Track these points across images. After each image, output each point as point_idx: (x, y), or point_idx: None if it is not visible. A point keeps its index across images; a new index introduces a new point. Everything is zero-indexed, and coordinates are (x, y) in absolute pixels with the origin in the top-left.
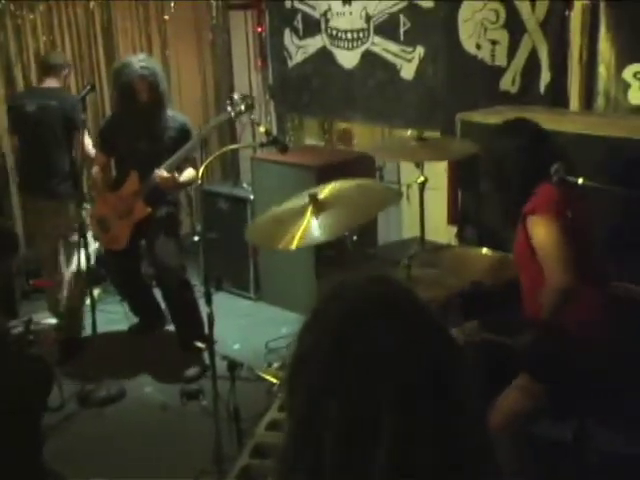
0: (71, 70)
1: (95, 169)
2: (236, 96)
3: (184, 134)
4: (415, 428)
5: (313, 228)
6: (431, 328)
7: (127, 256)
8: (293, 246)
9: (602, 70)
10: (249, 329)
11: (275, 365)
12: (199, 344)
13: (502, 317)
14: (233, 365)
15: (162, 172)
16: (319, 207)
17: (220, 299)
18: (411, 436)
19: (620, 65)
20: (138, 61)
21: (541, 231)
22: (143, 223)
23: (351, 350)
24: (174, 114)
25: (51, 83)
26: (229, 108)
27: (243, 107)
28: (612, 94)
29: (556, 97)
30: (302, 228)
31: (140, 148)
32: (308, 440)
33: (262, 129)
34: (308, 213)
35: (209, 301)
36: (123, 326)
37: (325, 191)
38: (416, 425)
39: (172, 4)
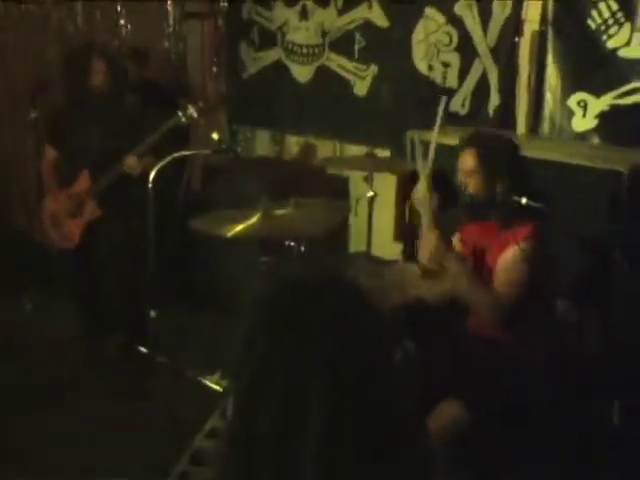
0: None
1: (45, 163)
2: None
3: (138, 123)
4: (343, 416)
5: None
6: (368, 321)
7: (79, 256)
8: (230, 233)
9: (549, 97)
10: (193, 333)
11: (217, 372)
12: (142, 349)
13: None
14: (176, 371)
15: (133, 159)
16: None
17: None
18: (339, 424)
19: (566, 93)
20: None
21: (525, 260)
22: (97, 223)
23: (286, 333)
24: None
25: None
26: (179, 112)
27: (194, 111)
28: (557, 120)
29: (504, 120)
30: (247, 224)
31: (93, 143)
32: (247, 422)
33: (215, 136)
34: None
35: (153, 305)
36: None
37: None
38: (344, 413)
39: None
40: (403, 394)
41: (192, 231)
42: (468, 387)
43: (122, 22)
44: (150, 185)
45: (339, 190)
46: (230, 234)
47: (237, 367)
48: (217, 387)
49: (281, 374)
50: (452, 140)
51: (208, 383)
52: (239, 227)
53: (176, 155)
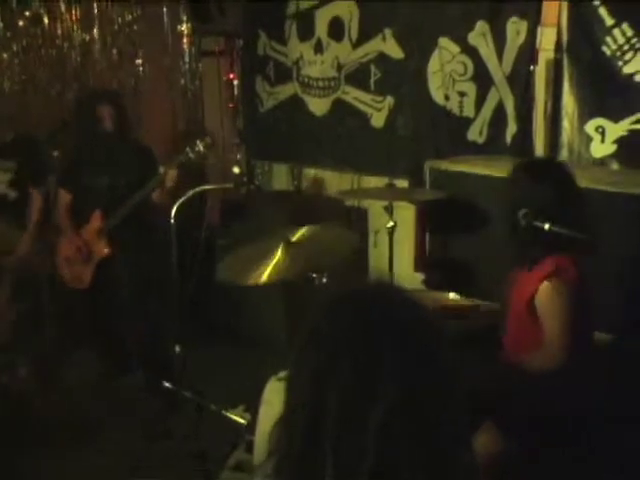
0: None
1: (60, 207)
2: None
3: (148, 162)
4: (400, 423)
5: (282, 266)
6: (429, 336)
7: (92, 295)
8: (262, 280)
9: (566, 123)
10: (217, 368)
11: (241, 406)
12: (166, 384)
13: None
14: (200, 405)
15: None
16: (290, 247)
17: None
18: (395, 429)
19: (583, 119)
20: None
21: (555, 300)
22: (107, 261)
23: (355, 340)
24: (137, 144)
25: None
26: (187, 149)
27: (202, 147)
28: (575, 147)
29: (522, 148)
30: (272, 265)
31: (103, 183)
32: (304, 424)
33: (236, 170)
34: (279, 252)
35: (179, 341)
36: None
37: (297, 234)
38: (400, 420)
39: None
40: (460, 407)
41: (218, 279)
42: (505, 413)
43: (139, 61)
44: (172, 221)
45: (357, 222)
46: (256, 282)
47: (301, 362)
48: (242, 420)
49: (346, 377)
50: (478, 169)
51: (233, 417)
52: (264, 273)
53: (197, 190)
